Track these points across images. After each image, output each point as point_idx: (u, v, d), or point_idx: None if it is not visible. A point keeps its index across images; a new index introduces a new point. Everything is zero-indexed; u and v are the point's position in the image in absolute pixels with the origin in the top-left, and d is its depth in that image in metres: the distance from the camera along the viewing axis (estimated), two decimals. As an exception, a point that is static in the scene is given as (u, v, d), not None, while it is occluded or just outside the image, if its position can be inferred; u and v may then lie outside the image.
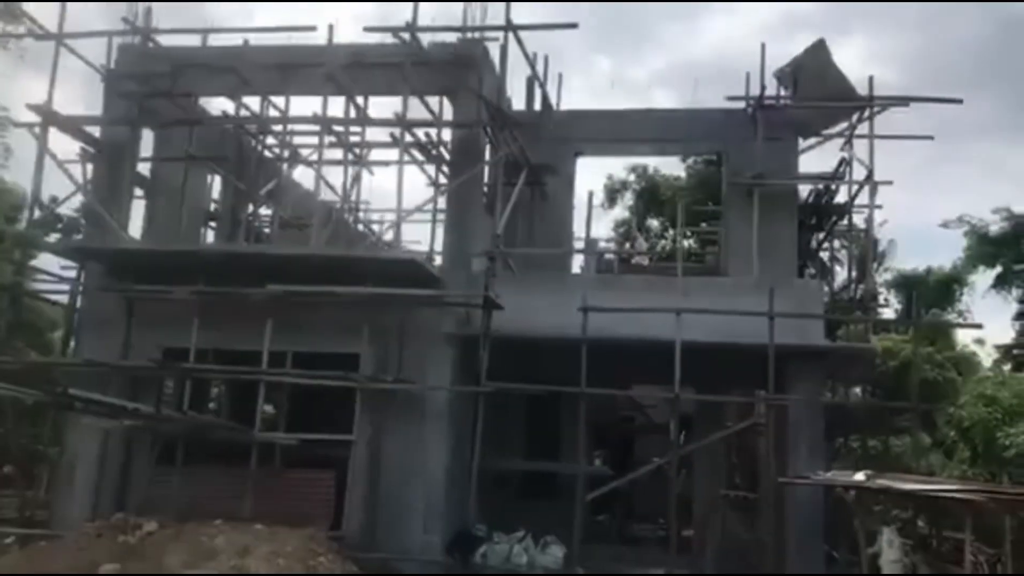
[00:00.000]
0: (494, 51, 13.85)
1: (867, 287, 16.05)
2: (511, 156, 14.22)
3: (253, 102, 15.11)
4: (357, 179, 14.74)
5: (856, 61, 61.66)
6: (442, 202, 14.22)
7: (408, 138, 14.12)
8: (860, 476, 10.23)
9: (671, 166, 31.20)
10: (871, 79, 15.33)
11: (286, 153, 16.11)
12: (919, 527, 12.56)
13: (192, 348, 13.29)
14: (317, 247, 13.24)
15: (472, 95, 13.50)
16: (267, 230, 19.27)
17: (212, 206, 17.80)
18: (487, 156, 14.27)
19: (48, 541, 12.05)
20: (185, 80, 14.59)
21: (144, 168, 15.60)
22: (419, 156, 14.90)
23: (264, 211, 18.61)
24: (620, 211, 33.72)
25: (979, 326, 21.06)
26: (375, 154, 15.78)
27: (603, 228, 32.77)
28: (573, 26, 13.21)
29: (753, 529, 12.75)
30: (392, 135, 13.89)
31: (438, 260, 13.98)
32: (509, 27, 13.50)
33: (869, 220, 15.47)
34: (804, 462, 12.37)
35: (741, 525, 13.03)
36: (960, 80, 55.00)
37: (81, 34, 14.71)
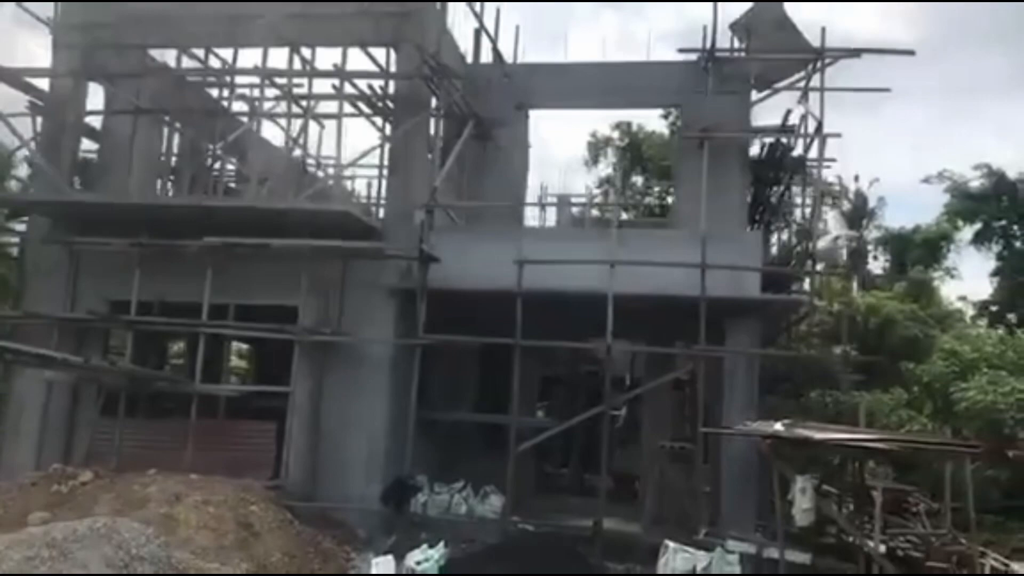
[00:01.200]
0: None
1: (810, 241, 15.96)
2: (454, 108, 14.15)
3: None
4: (304, 131, 14.64)
5: (870, 16, 60.75)
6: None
7: (353, 90, 14.06)
8: (778, 426, 10.30)
9: (655, 122, 31.03)
10: (823, 31, 15.14)
11: (238, 106, 16.04)
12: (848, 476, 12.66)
13: (133, 300, 13.38)
14: (253, 199, 13.22)
15: (414, 47, 13.39)
16: (232, 184, 19.35)
17: (173, 160, 17.77)
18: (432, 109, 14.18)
19: (-13, 489, 12.24)
20: (131, 32, 14.49)
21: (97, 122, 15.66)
22: (365, 108, 14.81)
23: (230, 166, 18.64)
24: (605, 168, 33.74)
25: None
26: (326, 107, 15.70)
27: (587, 183, 32.71)
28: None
29: (689, 479, 12.86)
30: (333, 86, 13.81)
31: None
32: (450, -24, 13.40)
33: (817, 174, 15.36)
34: (737, 414, 12.46)
35: (679, 475, 13.13)
36: (977, 37, 54.14)
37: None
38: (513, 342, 12.57)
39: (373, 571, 10.11)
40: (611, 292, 12.24)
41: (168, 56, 15.04)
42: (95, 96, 15.67)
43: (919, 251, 40.71)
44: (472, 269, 13.00)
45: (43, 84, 15.00)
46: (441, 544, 10.68)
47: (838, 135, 15.10)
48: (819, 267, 16.44)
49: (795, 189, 33.48)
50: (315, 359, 13.32)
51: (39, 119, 14.90)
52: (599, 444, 15.34)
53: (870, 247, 46.32)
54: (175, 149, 17.70)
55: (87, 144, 15.92)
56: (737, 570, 8.73)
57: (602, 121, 31.57)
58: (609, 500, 14.13)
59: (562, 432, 14.05)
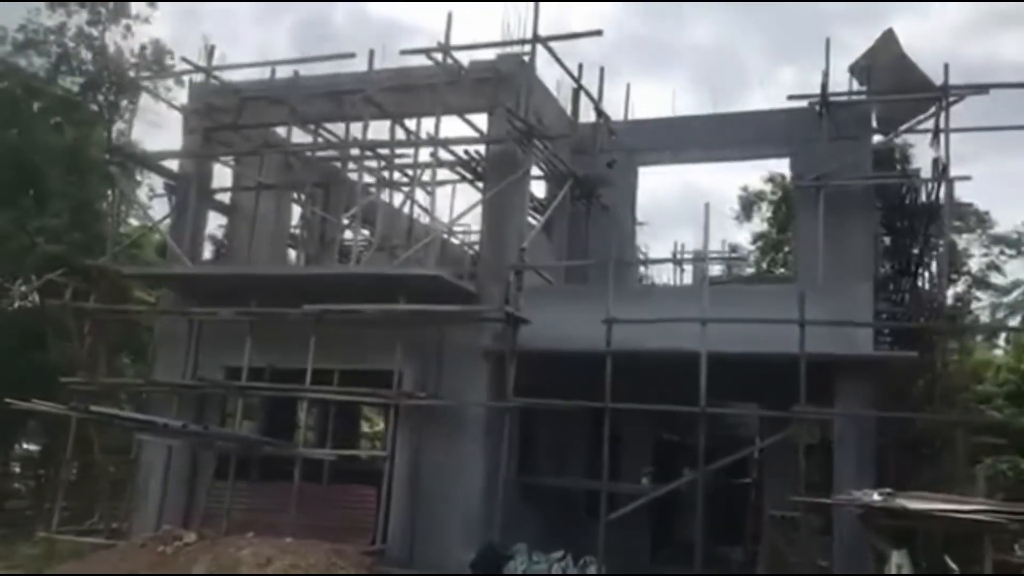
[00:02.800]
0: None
1: (936, 292, 14.70)
2: (550, 169, 14.09)
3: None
4: (410, 198, 14.96)
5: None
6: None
7: (451, 157, 14.29)
8: (875, 496, 9.40)
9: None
10: (946, 67, 14.14)
11: (366, 177, 16.59)
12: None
13: (244, 367, 13.89)
14: (346, 267, 13.56)
15: (505, 110, 13.48)
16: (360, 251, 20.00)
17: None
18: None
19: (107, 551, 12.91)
20: (248, 113, 15.34)
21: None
22: (467, 174, 15.00)
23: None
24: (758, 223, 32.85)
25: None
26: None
27: (740, 239, 31.94)
28: (597, 33, 12.99)
29: (799, 550, 11.93)
30: (431, 153, 14.08)
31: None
32: (536, 39, 13.42)
33: (947, 220, 14.22)
34: (850, 480, 11.49)
35: (789, 545, 12.22)
36: None
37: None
38: (602, 405, 12.15)
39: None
40: (704, 351, 11.66)
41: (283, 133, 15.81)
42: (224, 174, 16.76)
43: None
44: (561, 330, 12.75)
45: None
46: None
47: (967, 178, 14.03)
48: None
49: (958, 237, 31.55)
50: (413, 423, 13.38)
51: (173, 198, 16.02)
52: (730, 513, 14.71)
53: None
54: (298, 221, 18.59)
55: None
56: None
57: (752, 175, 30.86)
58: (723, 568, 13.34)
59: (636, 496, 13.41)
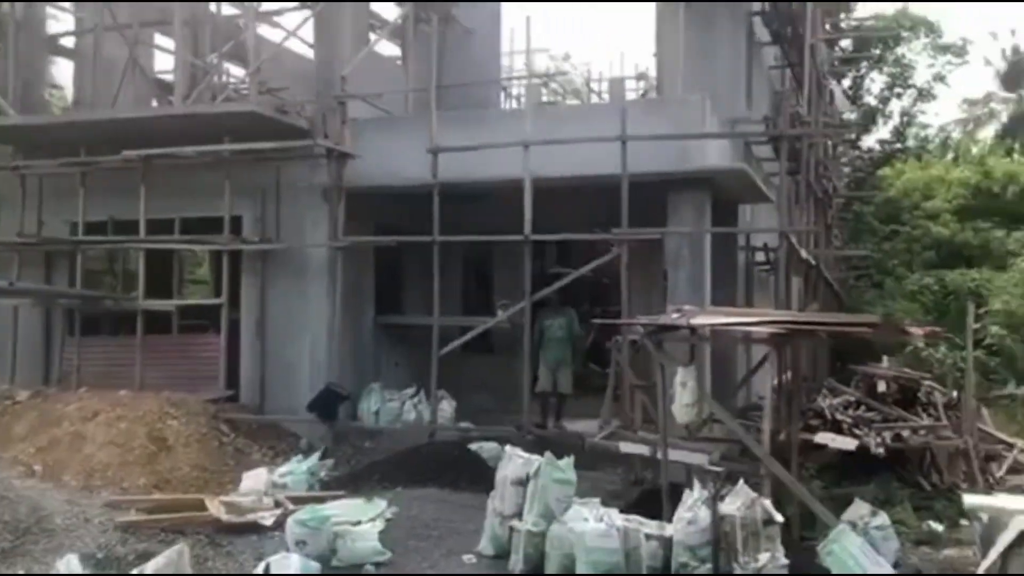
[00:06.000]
0: None
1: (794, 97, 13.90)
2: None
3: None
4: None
5: None
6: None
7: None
8: (674, 316, 8.98)
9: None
10: None
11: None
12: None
13: (80, 221, 13.35)
14: (162, 108, 12.79)
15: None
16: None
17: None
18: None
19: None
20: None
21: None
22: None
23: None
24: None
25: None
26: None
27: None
28: None
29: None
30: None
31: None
32: None
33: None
34: (684, 301, 11.08)
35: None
36: None
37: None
38: (430, 239, 11.64)
39: (243, 485, 9.67)
40: (527, 177, 11.05)
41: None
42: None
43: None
44: (397, 163, 12.11)
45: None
46: (315, 456, 10.16)
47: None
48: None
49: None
50: (255, 268, 12.96)
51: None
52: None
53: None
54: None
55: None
56: (570, 476, 7.66)
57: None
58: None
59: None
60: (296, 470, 9.80)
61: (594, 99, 21.96)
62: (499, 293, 14.65)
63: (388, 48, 16.80)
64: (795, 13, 14.10)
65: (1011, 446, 12.14)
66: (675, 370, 8.58)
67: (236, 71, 18.66)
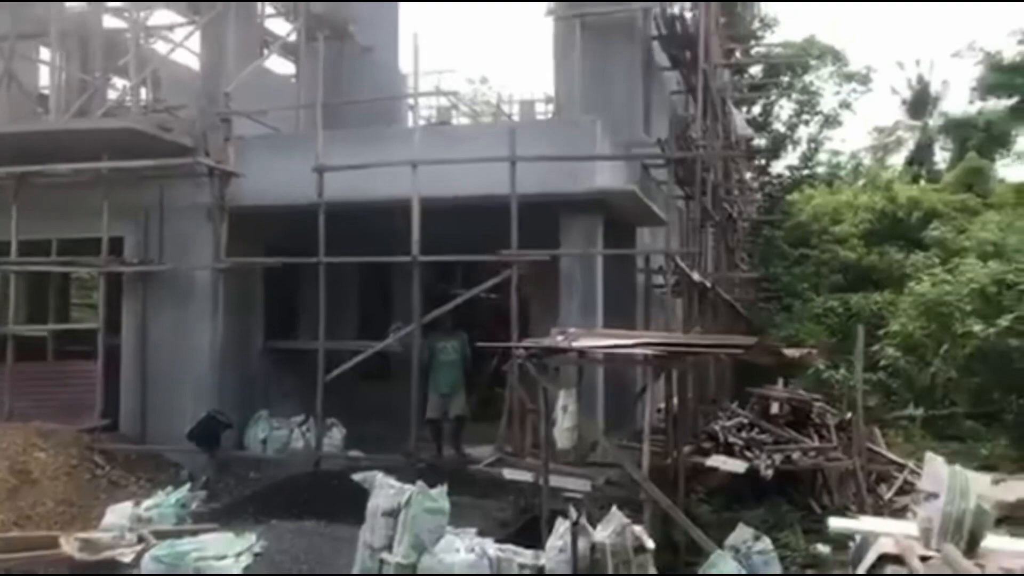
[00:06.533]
0: None
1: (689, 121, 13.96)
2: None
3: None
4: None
5: None
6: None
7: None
8: (558, 339, 8.78)
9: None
10: None
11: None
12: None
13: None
14: (40, 124, 12.23)
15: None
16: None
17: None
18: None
19: None
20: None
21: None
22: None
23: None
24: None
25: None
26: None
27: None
28: None
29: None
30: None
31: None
32: None
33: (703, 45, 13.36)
34: (576, 323, 10.91)
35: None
36: None
37: None
38: (315, 260, 11.29)
39: (105, 520, 9.14)
40: (416, 196, 10.79)
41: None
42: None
43: (981, 136, 37.44)
44: (282, 182, 11.74)
45: None
46: (185, 488, 9.69)
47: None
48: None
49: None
50: (137, 292, 12.43)
51: None
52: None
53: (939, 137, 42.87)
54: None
55: None
56: (442, 506, 7.37)
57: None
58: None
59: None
60: (163, 503, 9.29)
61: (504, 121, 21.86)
62: (398, 316, 14.30)
63: (284, 67, 16.42)
64: (691, 38, 14.14)
65: (902, 467, 12.24)
66: (556, 393, 8.36)
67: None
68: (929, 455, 6.49)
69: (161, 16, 15.50)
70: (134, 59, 11.93)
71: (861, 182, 38.59)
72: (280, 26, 15.27)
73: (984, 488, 5.72)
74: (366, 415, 13.51)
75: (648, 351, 7.64)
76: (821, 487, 11.39)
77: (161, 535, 8.49)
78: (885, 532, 5.89)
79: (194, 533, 8.59)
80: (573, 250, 10.97)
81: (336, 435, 12.27)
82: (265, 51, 12.74)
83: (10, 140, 12.06)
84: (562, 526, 7.06)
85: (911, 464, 12.18)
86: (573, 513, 6.57)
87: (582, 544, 6.89)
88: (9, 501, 10.00)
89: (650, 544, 6.87)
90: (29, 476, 10.43)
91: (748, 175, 31.38)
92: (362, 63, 14.73)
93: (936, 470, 5.85)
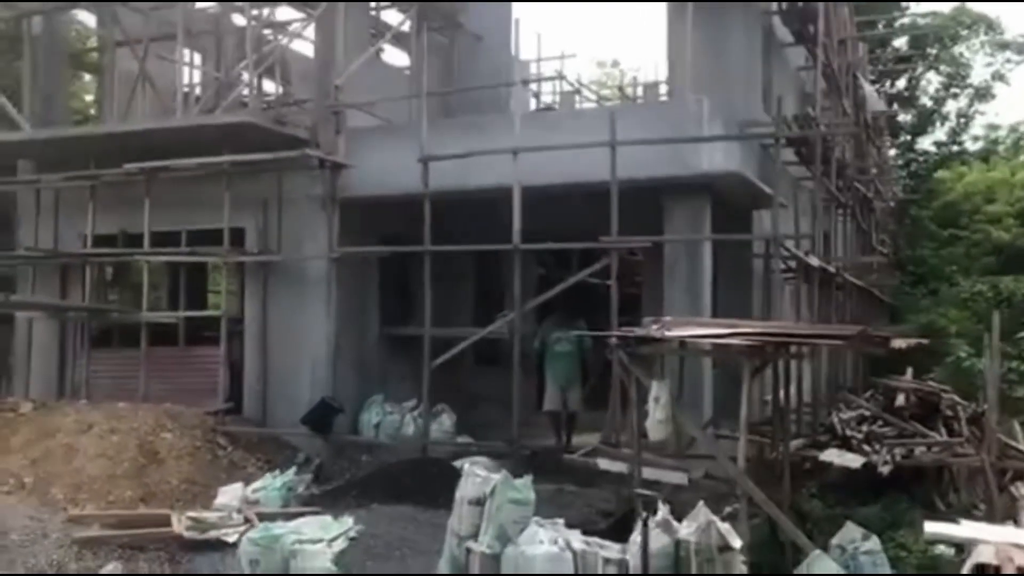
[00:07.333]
0: None
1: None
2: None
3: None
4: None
5: None
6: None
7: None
8: (653, 328, 8.56)
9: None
10: None
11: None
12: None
13: (89, 234, 13.48)
14: (160, 121, 12.79)
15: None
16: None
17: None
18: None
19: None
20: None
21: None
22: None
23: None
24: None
25: None
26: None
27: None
28: None
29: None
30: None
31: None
32: None
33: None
34: (683, 312, 10.66)
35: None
36: None
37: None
38: (421, 249, 11.41)
39: (217, 500, 9.53)
40: (517, 183, 10.74)
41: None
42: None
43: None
44: (392, 172, 11.92)
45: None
46: (292, 471, 9.97)
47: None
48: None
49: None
50: (259, 281, 12.91)
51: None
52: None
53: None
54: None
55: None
56: (527, 496, 7.32)
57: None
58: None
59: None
60: (269, 485, 9.63)
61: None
62: (509, 303, 14.32)
63: (400, 59, 16.66)
64: (812, 12, 13.51)
65: (1040, 464, 11.37)
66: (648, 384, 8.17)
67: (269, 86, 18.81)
68: (1034, 457, 5.97)
69: (286, 12, 16.02)
70: (251, 54, 12.23)
71: (1022, 158, 36.12)
72: (395, 17, 15.42)
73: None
74: (481, 401, 13.66)
75: (739, 341, 7.34)
76: (948, 484, 10.74)
77: (265, 517, 8.79)
78: (985, 539, 5.46)
79: (296, 516, 8.83)
80: (675, 236, 10.66)
81: (446, 421, 12.41)
82: (376, 43, 12.84)
83: (141, 137, 12.74)
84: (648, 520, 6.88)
85: (1051, 462, 11.29)
86: (641, 510, 6.39)
87: (666, 541, 6.71)
88: (137, 478, 10.57)
89: (736, 543, 6.61)
90: (156, 455, 10.99)
91: (892, 152, 29.93)
92: (475, 52, 14.76)
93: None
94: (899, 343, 8.08)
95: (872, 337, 7.62)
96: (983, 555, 5.27)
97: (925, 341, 9.62)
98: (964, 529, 5.90)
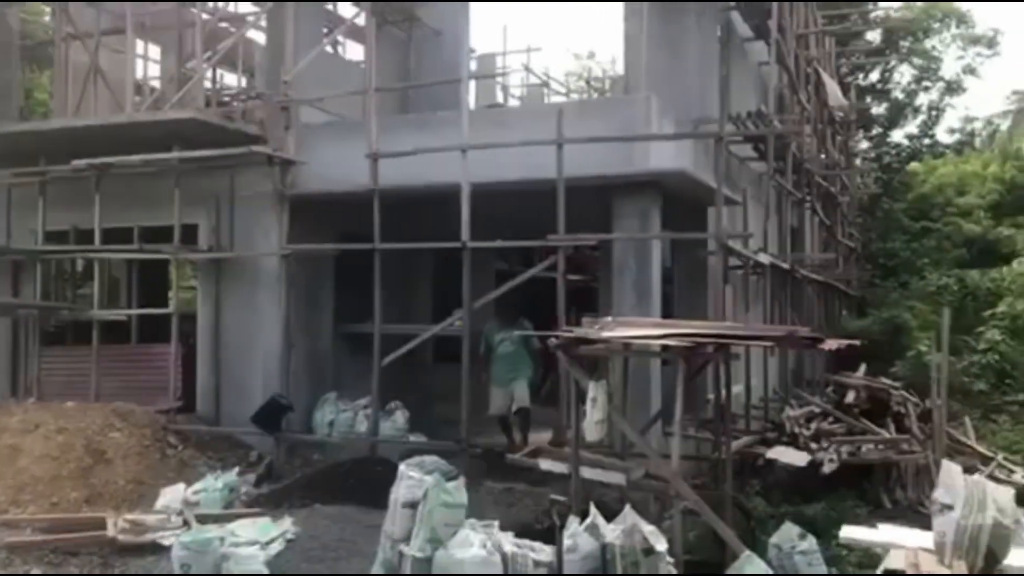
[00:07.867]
0: None
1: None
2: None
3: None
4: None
5: None
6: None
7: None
8: (591, 328, 8.52)
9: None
10: None
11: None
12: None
13: (39, 230, 13.34)
14: (104, 117, 12.66)
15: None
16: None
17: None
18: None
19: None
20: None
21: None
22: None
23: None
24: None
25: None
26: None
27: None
28: None
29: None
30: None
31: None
32: None
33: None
34: (630, 311, 10.64)
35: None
36: None
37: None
38: (370, 247, 11.33)
39: (158, 502, 9.46)
40: (465, 181, 10.67)
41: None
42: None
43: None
44: (345, 168, 11.79)
45: None
46: (234, 471, 9.91)
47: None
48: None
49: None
50: (211, 278, 12.81)
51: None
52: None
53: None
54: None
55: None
56: (459, 500, 7.28)
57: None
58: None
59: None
60: (210, 487, 9.55)
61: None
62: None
63: (358, 53, 16.52)
64: (766, 8, 13.49)
65: (989, 460, 11.46)
66: (586, 384, 8.14)
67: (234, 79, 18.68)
68: (946, 462, 5.97)
69: (246, 5, 15.88)
70: (200, 49, 12.12)
71: (995, 150, 36.26)
72: (351, 11, 15.31)
73: (1006, 501, 5.22)
74: (439, 398, 13.60)
75: (674, 343, 7.31)
76: (895, 481, 10.79)
77: (204, 519, 8.74)
78: (898, 544, 5.46)
79: (237, 517, 8.78)
80: (621, 234, 10.62)
81: (399, 418, 12.33)
82: (328, 37, 12.72)
83: (91, 132, 12.58)
84: (573, 524, 6.88)
85: (999, 457, 11.40)
86: (555, 515, 6.37)
87: (593, 545, 6.71)
88: (82, 479, 10.46)
89: (661, 545, 6.60)
90: (103, 455, 10.88)
91: (864, 145, 30.01)
92: (434, 47, 14.65)
93: (952, 479, 5.37)
94: (831, 344, 8.03)
95: (801, 338, 7.59)
96: (894, 561, 5.26)
97: (856, 343, 9.58)
98: (880, 533, 5.91)
